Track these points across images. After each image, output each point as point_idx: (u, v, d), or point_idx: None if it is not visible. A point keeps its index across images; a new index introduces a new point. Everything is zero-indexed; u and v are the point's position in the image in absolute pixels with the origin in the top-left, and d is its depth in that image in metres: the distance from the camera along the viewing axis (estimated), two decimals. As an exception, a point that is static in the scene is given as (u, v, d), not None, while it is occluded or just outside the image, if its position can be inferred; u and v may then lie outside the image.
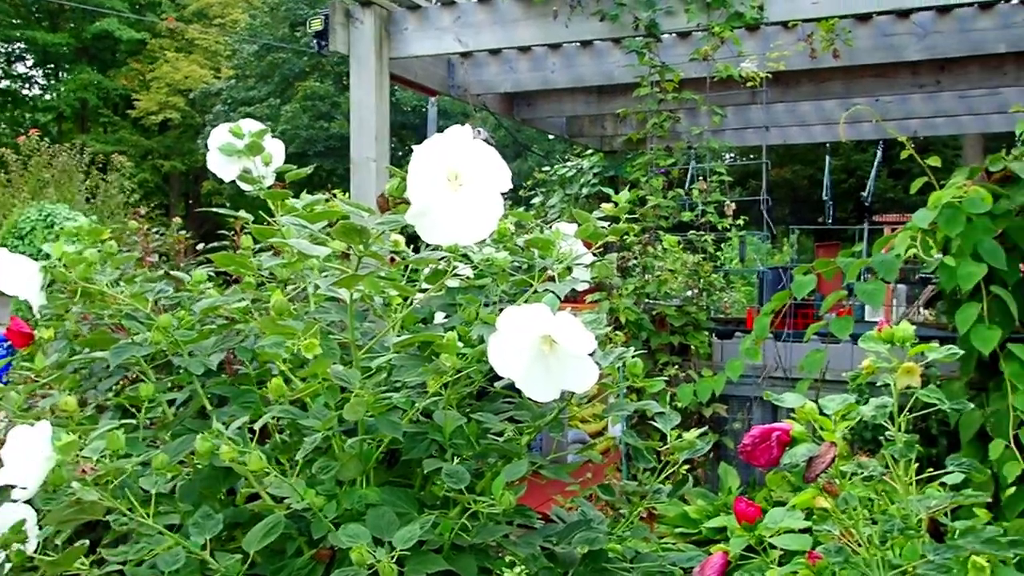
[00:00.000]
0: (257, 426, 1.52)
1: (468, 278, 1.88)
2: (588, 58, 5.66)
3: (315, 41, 4.89)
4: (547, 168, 8.90)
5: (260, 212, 1.86)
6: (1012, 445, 2.88)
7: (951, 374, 3.51)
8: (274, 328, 1.54)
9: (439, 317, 1.91)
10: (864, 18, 4.97)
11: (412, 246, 1.85)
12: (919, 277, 6.45)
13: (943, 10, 4.88)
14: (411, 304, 1.76)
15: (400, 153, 19.53)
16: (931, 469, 1.59)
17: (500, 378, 1.76)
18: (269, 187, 1.88)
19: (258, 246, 1.92)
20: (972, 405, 1.47)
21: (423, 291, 1.81)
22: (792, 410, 3.68)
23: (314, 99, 22.75)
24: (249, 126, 1.90)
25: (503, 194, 1.44)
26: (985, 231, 3.07)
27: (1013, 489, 2.86)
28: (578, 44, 5.61)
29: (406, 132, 21.71)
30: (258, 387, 1.78)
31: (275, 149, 1.94)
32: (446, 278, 1.74)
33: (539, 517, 1.75)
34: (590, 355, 1.47)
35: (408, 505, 1.62)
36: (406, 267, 1.84)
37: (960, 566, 1.34)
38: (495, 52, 5.76)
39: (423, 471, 1.66)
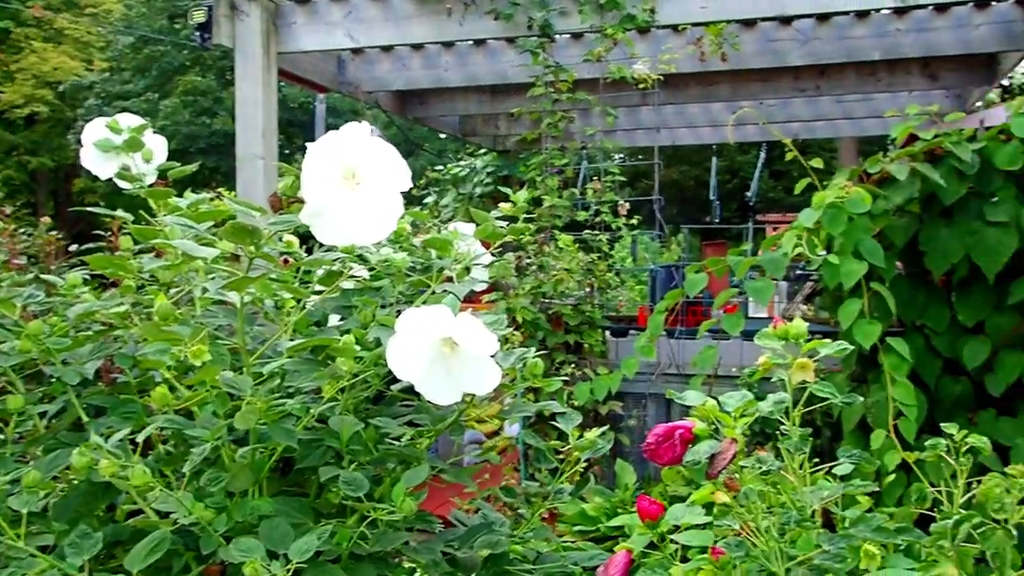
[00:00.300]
0: (141, 438, 1.44)
1: (363, 279, 1.84)
2: (482, 57, 5.66)
3: (197, 34, 4.73)
4: (440, 167, 8.86)
5: (140, 212, 1.77)
6: (892, 435, 3.00)
7: (833, 367, 3.64)
8: (158, 334, 1.46)
9: (333, 319, 1.86)
10: (749, 23, 5.12)
11: (305, 246, 1.80)
12: (797, 274, 6.68)
13: (823, 18, 5.08)
14: (304, 307, 1.71)
15: (287, 151, 19.16)
16: (816, 459, 1.63)
17: (397, 381, 1.72)
18: (150, 185, 1.79)
19: (137, 247, 1.83)
20: (860, 398, 1.52)
21: (317, 293, 1.75)
22: (687, 405, 3.74)
23: (195, 94, 22.07)
24: (128, 121, 1.81)
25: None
26: (865, 230, 3.19)
27: (893, 476, 2.98)
28: (472, 43, 5.59)
29: (293, 129, 21.30)
30: (139, 396, 1.69)
31: (156, 145, 1.86)
32: (342, 280, 1.69)
33: (439, 521, 1.72)
34: (491, 356, 1.45)
35: (303, 515, 1.57)
36: (298, 268, 1.78)
37: (853, 554, 1.37)
38: (387, 49, 5.69)
39: (319, 479, 1.61)
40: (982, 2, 4.76)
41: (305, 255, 1.73)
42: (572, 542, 3.05)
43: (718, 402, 1.37)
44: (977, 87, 6.16)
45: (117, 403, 1.67)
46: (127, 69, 23.23)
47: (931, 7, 4.90)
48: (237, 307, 1.57)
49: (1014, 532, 1.46)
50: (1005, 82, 6.52)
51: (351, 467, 1.60)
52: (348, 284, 1.81)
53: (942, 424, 1.74)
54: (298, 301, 1.71)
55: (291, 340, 1.64)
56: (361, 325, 1.67)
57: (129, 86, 22.73)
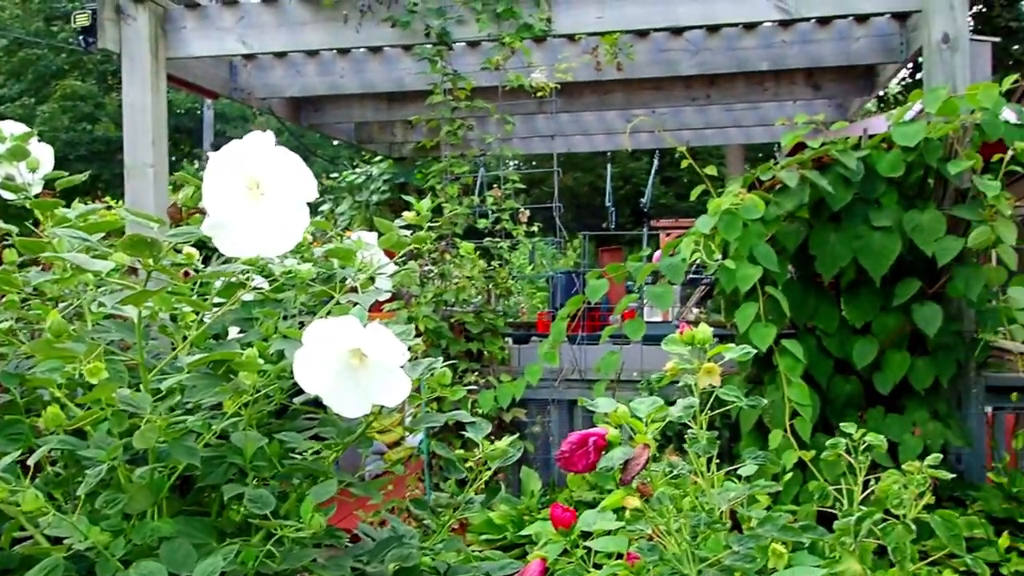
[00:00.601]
0: (33, 460, 1.37)
1: (263, 291, 1.79)
2: (378, 64, 5.60)
3: (81, 38, 4.53)
4: (335, 174, 8.74)
5: (24, 223, 1.68)
6: (789, 434, 3.10)
7: (730, 370, 3.73)
8: (51, 351, 1.39)
9: (233, 332, 1.81)
10: (643, 34, 5.22)
11: (201, 255, 1.74)
12: (690, 278, 6.84)
13: (712, 29, 5.22)
14: (205, 320, 1.65)
15: (174, 158, 18.58)
16: (717, 460, 1.66)
17: (300, 394, 1.68)
18: (36, 195, 1.70)
19: (20, 259, 1.73)
20: (765, 400, 1.56)
21: (218, 305, 1.70)
22: (588, 409, 3.79)
23: (75, 99, 21.17)
24: (11, 128, 1.72)
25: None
26: (759, 236, 3.28)
27: (790, 475, 3.07)
28: (368, 50, 5.53)
29: (180, 136, 20.68)
30: (27, 416, 1.60)
31: (42, 154, 1.77)
32: (245, 292, 1.64)
33: (347, 536, 1.69)
34: (400, 366, 1.43)
35: (206, 535, 1.51)
36: (196, 281, 1.73)
37: (761, 553, 1.40)
38: (281, 55, 5.58)
39: (221, 497, 1.56)
40: (862, 16, 4.97)
41: (203, 266, 1.68)
42: (480, 551, 3.03)
43: (629, 408, 1.38)
44: (857, 97, 6.43)
45: (3, 424, 1.58)
46: (1, 73, 22.14)
47: (814, 20, 5.10)
48: (133, 321, 1.51)
49: (912, 526, 1.52)
50: (882, 92, 6.83)
51: (255, 484, 1.55)
52: (248, 296, 1.76)
53: (839, 423, 1.80)
54: (197, 314, 1.65)
55: (190, 355, 1.58)
56: (263, 337, 1.63)
57: (3, 90, 21.66)
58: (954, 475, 3.75)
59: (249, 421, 1.57)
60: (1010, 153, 3.34)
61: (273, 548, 1.46)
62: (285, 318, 1.74)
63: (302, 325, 1.65)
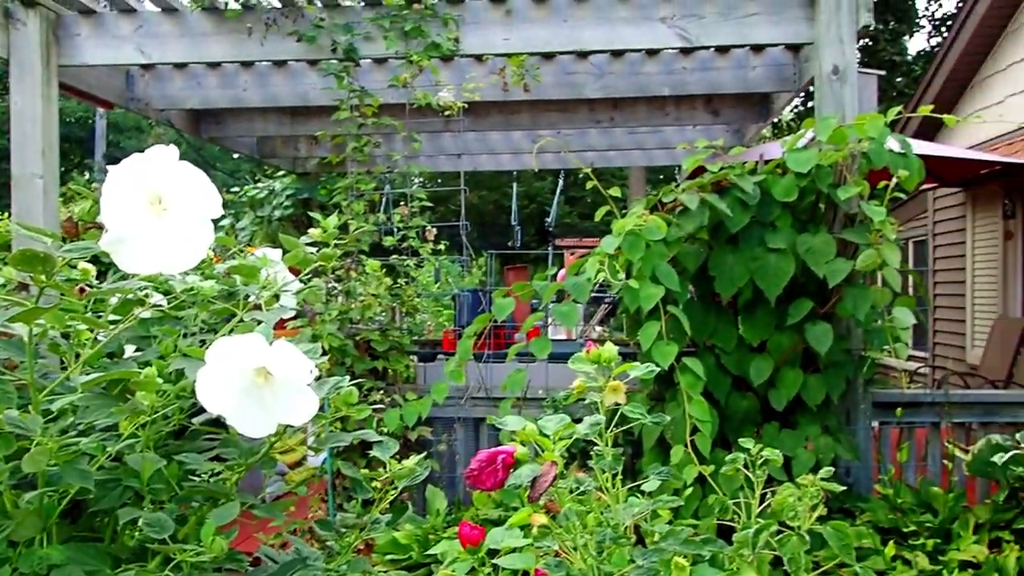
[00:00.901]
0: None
1: (162, 308, 1.74)
2: (283, 78, 5.53)
3: (-34, 42, 4.34)
4: (236, 188, 8.56)
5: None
6: (689, 450, 3.17)
7: (633, 388, 3.80)
8: (-69, 372, 1.32)
9: (130, 351, 1.75)
10: (549, 56, 5.30)
11: (98, 272, 1.68)
12: (593, 297, 6.94)
13: (616, 54, 5.33)
14: (100, 339, 1.59)
15: (63, 168, 17.89)
16: (621, 477, 1.70)
17: (200, 414, 1.64)
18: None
19: None
20: (668, 417, 1.59)
21: (114, 323, 1.64)
22: (495, 427, 3.79)
23: (-46, 104, 20.20)
24: None
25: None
26: (661, 256, 3.36)
27: (691, 490, 3.14)
28: (272, 63, 5.45)
29: (70, 145, 19.94)
30: None
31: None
32: (144, 310, 1.59)
33: (248, 560, 1.65)
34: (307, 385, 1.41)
35: (99, 562, 1.46)
36: (91, 298, 1.67)
37: (664, 567, 1.43)
38: (181, 66, 5.45)
39: (115, 522, 1.51)
40: (758, 47, 5.16)
41: (98, 283, 1.62)
42: (385, 572, 3.00)
43: (536, 426, 1.40)
44: (754, 123, 6.66)
45: None
46: None
47: (714, 49, 5.27)
48: (22, 339, 1.45)
49: (807, 537, 1.58)
50: (777, 119, 7.08)
51: (152, 507, 1.51)
52: (146, 313, 1.71)
53: (737, 439, 1.85)
54: (91, 332, 1.60)
55: (84, 374, 1.53)
56: (161, 356, 1.58)
57: None
58: (844, 487, 3.89)
59: (147, 442, 1.53)
60: (894, 180, 3.51)
61: (171, 574, 1.41)
62: (185, 336, 1.70)
63: (203, 343, 1.61)
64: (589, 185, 3.76)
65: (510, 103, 5.99)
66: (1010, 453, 3.48)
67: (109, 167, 1.32)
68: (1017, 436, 3.68)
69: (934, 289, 10.22)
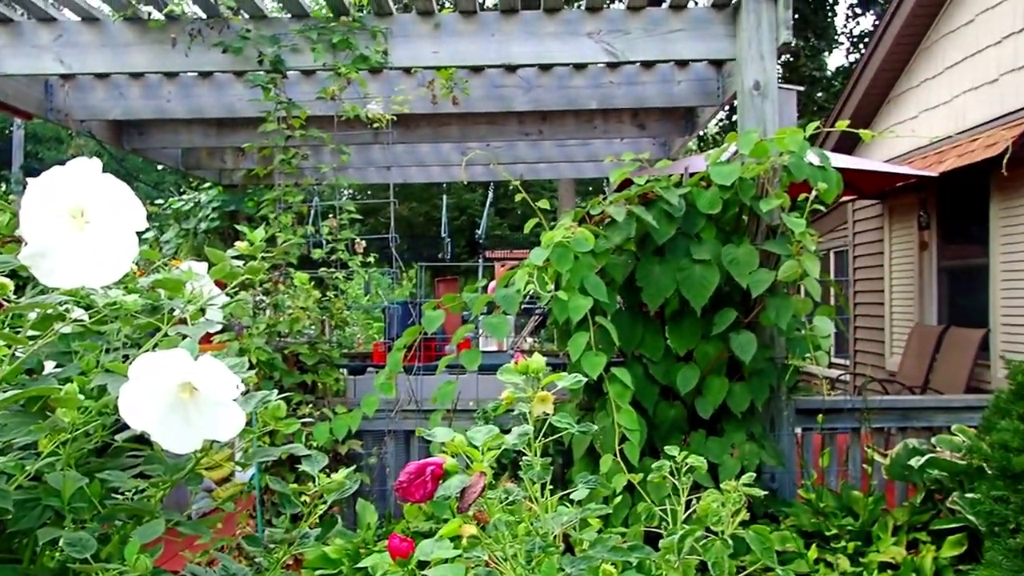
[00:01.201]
0: None
1: (83, 323, 1.71)
2: (208, 89, 5.45)
3: None
4: (160, 200, 8.40)
5: None
6: (618, 458, 3.21)
7: (562, 398, 3.83)
8: None
9: (49, 367, 1.71)
10: (478, 70, 5.33)
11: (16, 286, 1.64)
12: (523, 308, 6.98)
13: (545, 68, 5.40)
14: (19, 355, 1.55)
15: (-24, 180, 17.32)
16: (551, 486, 1.72)
17: (123, 430, 1.61)
18: None
19: None
20: (597, 427, 1.61)
21: (33, 339, 1.60)
22: (425, 440, 3.79)
23: None
24: None
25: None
26: (589, 268, 3.40)
27: (619, 498, 3.18)
28: (198, 74, 5.37)
29: (-16, 157, 19.31)
30: None
31: None
32: (65, 325, 1.56)
33: (174, 578, 1.63)
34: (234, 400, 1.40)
35: (18, 583, 1.42)
36: (8, 313, 1.62)
37: (593, 574, 1.45)
38: (103, 76, 5.33)
39: (34, 543, 1.47)
40: (683, 62, 5.27)
41: (16, 297, 1.58)
42: (315, 587, 2.97)
43: (466, 437, 1.41)
44: (679, 137, 6.79)
45: None
46: None
47: (639, 63, 5.36)
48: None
49: (730, 542, 1.62)
50: (701, 132, 7.23)
51: (73, 527, 1.48)
52: (66, 328, 1.67)
53: (664, 446, 1.89)
54: (9, 347, 1.56)
55: (2, 391, 1.49)
56: (82, 372, 1.55)
57: None
58: (768, 492, 3.98)
59: (68, 460, 1.50)
60: (814, 193, 3.62)
61: (94, 593, 1.39)
62: (107, 351, 1.67)
63: (126, 359, 1.58)
64: (518, 197, 3.79)
65: (439, 115, 6.01)
66: (926, 456, 3.60)
67: (28, 179, 1.29)
68: (933, 440, 3.82)
69: (854, 298, 10.52)
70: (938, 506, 3.73)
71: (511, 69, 5.36)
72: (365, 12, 4.39)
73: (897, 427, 4.33)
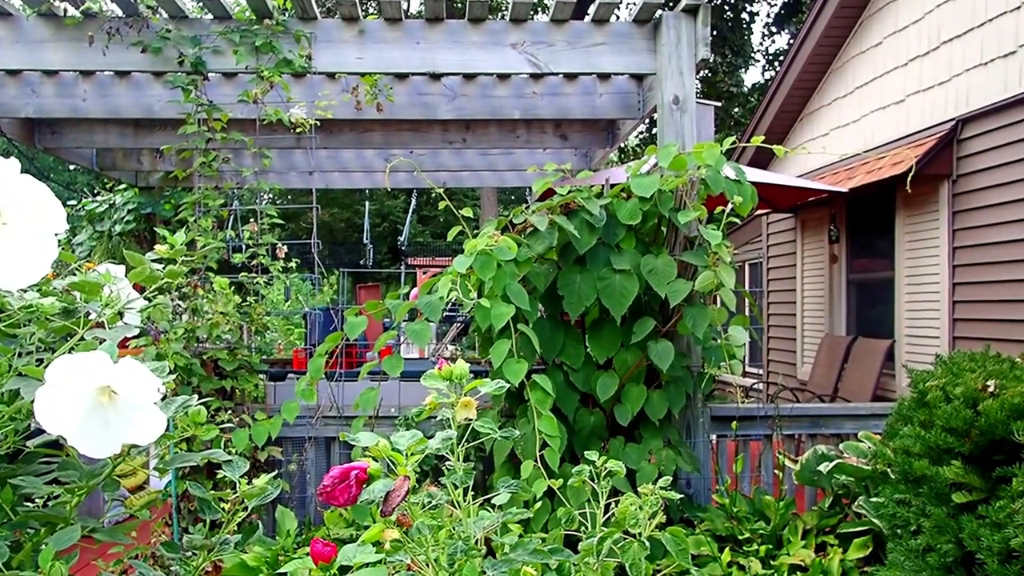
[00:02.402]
0: None
1: (-7, 325, 1.67)
2: (125, 89, 5.33)
3: None
4: (72, 201, 8.16)
5: None
6: (539, 464, 3.25)
7: (485, 405, 3.86)
8: None
9: (-42, 371, 1.67)
10: (402, 77, 5.34)
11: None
12: (445, 316, 6.98)
13: (469, 77, 5.43)
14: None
15: None
16: (472, 492, 1.74)
17: (35, 436, 1.59)
18: None
19: None
20: (518, 432, 1.65)
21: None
22: (347, 446, 3.77)
23: None
24: None
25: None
26: (512, 276, 3.44)
27: (540, 504, 3.22)
28: (115, 73, 5.25)
29: None
30: None
31: None
32: (-20, 327, 1.52)
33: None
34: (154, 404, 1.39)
35: (-77, 594, 1.39)
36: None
37: (514, 577, 1.48)
38: (15, 73, 5.17)
39: (-58, 551, 1.43)
40: (604, 75, 5.37)
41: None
42: (232, 596, 2.93)
43: (389, 441, 1.42)
44: (601, 148, 6.89)
45: None
46: None
47: (562, 75, 5.44)
48: None
49: (647, 543, 1.66)
50: (622, 144, 7.35)
51: (-16, 535, 1.44)
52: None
53: (584, 452, 1.93)
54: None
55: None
56: (-8, 376, 1.52)
57: None
58: (684, 497, 4.07)
59: (-22, 467, 1.46)
60: (730, 206, 3.73)
61: (5, 603, 1.36)
62: (20, 356, 1.63)
63: (40, 363, 1.56)
64: (442, 205, 3.81)
65: (363, 121, 5.99)
66: (834, 462, 3.73)
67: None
68: (841, 446, 3.95)
69: (768, 309, 10.81)
70: (845, 510, 3.87)
71: (436, 77, 5.38)
72: (288, 15, 4.36)
73: (807, 434, 4.47)
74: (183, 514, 3.84)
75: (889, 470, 3.18)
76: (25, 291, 1.63)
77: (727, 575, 3.45)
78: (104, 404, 1.37)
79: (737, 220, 3.80)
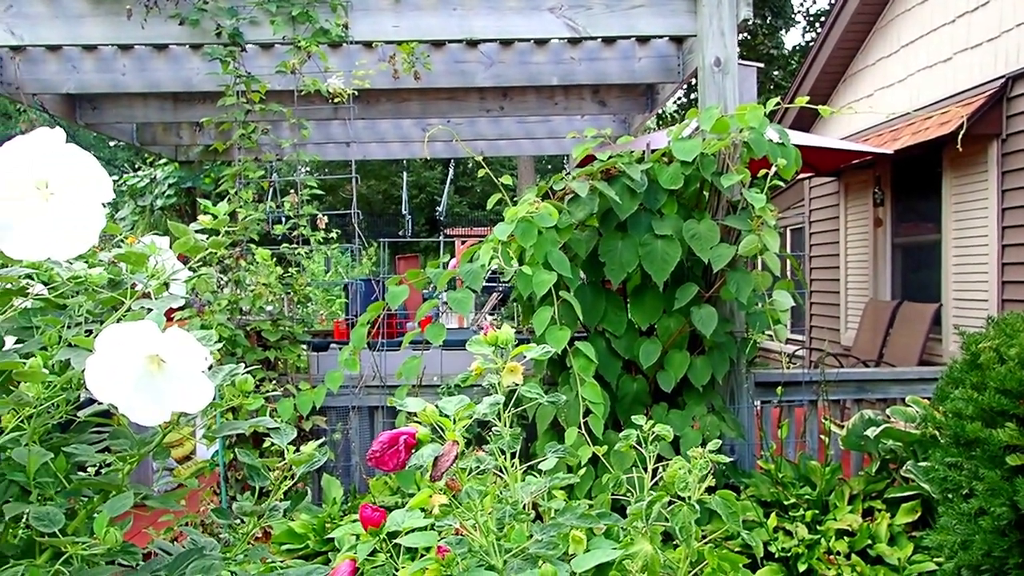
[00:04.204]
0: None
1: (43, 297, 1.69)
2: (164, 62, 5.35)
3: None
4: (114, 177, 8.25)
5: None
6: (583, 431, 3.24)
7: (527, 372, 3.85)
8: None
9: (9, 342, 1.69)
10: (439, 44, 5.30)
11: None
12: (483, 286, 6.98)
13: (506, 43, 5.38)
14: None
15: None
16: (514, 458, 1.74)
17: (85, 406, 1.61)
18: None
19: None
20: (565, 398, 1.64)
21: (-4, 313, 1.58)
22: (392, 412, 3.78)
23: None
24: None
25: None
26: (553, 243, 3.42)
27: (584, 470, 3.22)
28: (153, 47, 5.27)
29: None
30: None
31: None
32: (27, 300, 1.54)
33: (141, 553, 1.62)
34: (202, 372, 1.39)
35: (-17, 559, 1.41)
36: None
37: (563, 540, 1.48)
38: (55, 48, 5.21)
39: (-1, 518, 1.46)
40: (643, 38, 5.29)
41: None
42: (282, 561, 2.97)
43: (437, 407, 1.42)
44: (639, 114, 6.81)
45: None
46: None
47: (601, 39, 5.37)
48: None
49: (697, 507, 1.65)
50: (660, 111, 7.27)
51: (39, 502, 1.47)
52: (27, 303, 1.65)
53: (632, 417, 1.91)
54: (-29, 323, 1.54)
55: (-37, 367, 1.47)
56: (43, 347, 1.54)
57: None
58: (728, 463, 4.05)
59: (33, 436, 1.48)
60: (773, 169, 3.66)
61: (63, 568, 1.38)
62: (69, 327, 1.65)
63: (88, 333, 1.57)
64: (481, 173, 3.79)
65: (400, 91, 5.97)
66: (881, 427, 3.69)
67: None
68: (888, 411, 3.90)
69: (810, 275, 10.67)
70: (892, 475, 3.82)
71: (472, 44, 5.34)
72: (325, -15, 4.34)
73: (853, 399, 4.42)
74: (230, 483, 3.90)
75: (939, 433, 3.14)
76: (72, 262, 1.64)
77: (772, 540, 3.44)
78: (153, 373, 1.38)
79: (781, 183, 3.73)
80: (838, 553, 3.37)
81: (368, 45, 5.17)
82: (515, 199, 3.67)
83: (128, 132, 7.16)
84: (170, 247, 1.85)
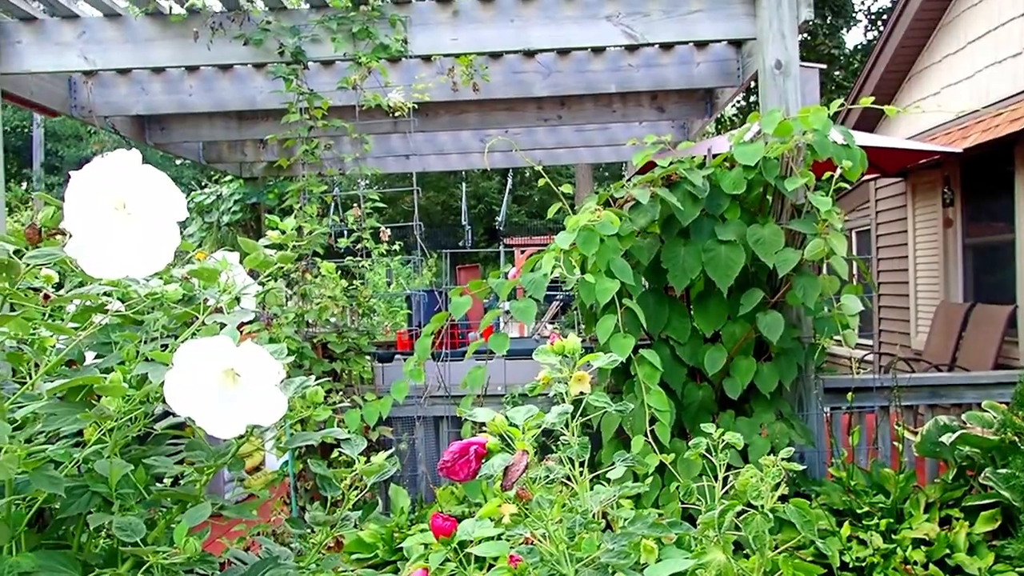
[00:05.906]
0: None
1: (121, 313, 1.74)
2: (228, 82, 5.48)
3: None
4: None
5: None
6: (649, 439, 3.22)
7: (591, 381, 3.84)
8: None
9: (89, 357, 1.75)
10: (497, 56, 5.33)
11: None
12: (544, 295, 6.97)
13: (563, 52, 5.39)
14: (60, 346, 1.59)
15: (3, 179, 17.48)
16: (580, 467, 1.73)
17: (161, 419, 1.65)
18: None
19: None
20: (632, 406, 1.63)
21: (76, 330, 1.63)
22: (456, 426, 3.80)
23: None
24: None
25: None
26: (615, 250, 3.41)
27: (650, 479, 3.19)
28: (218, 67, 5.40)
29: (7, 155, 19.50)
30: None
31: None
32: (106, 316, 1.59)
33: (218, 562, 1.66)
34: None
35: (70, 568, 1.46)
36: (52, 305, 1.66)
37: (634, 550, 1.47)
38: (125, 72, 5.37)
39: (81, 529, 1.50)
40: (702, 43, 5.25)
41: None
42: (352, 570, 3.00)
43: (506, 417, 1.42)
44: (699, 119, 6.76)
45: None
46: None
47: (658, 45, 5.34)
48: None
49: (770, 516, 1.63)
50: (719, 115, 7.20)
51: (120, 512, 1.51)
52: (106, 319, 1.70)
53: (695, 428, 1.90)
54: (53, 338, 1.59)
55: (48, 381, 1.52)
56: (122, 361, 1.58)
57: None
58: (800, 469, 3.98)
59: (114, 448, 1.53)
60: (839, 171, 3.60)
61: (143, 577, 1.42)
62: (146, 342, 1.69)
63: (164, 348, 1.61)
64: (541, 182, 3.80)
65: (459, 103, 6.02)
66: (957, 433, 3.59)
67: (72, 174, 1.31)
68: (963, 417, 3.80)
69: (878, 278, 10.45)
70: (970, 482, 3.72)
71: (530, 54, 5.36)
72: (384, 0, 4.40)
73: (926, 405, 4.31)
74: (299, 493, 3.96)
75: (1019, 439, 3.04)
76: (148, 279, 1.69)
77: (846, 549, 3.37)
78: (229, 386, 1.41)
79: (846, 185, 3.67)
80: (915, 563, 3.28)
81: (427, 59, 5.23)
82: (574, 207, 3.67)
83: (195, 151, 7.34)
84: (240, 262, 1.89)
